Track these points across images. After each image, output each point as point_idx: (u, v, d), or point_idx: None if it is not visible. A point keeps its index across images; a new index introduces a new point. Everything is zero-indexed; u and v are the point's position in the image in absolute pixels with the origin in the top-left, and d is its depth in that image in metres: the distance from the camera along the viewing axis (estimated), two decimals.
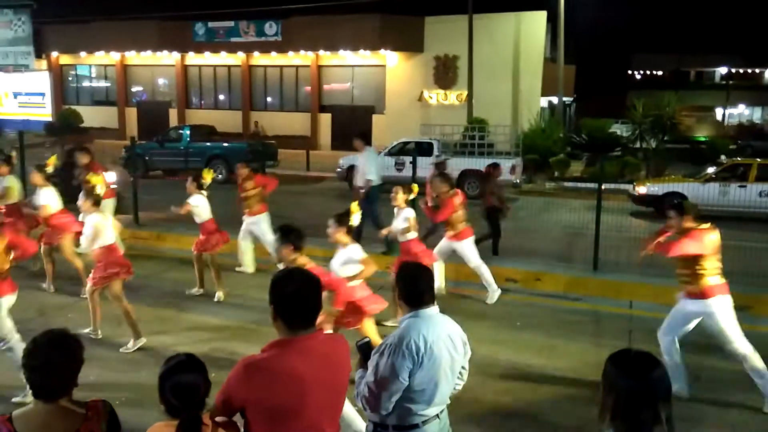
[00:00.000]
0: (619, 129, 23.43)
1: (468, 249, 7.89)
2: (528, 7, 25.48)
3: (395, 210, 7.12)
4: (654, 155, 19.83)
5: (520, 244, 10.67)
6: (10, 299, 5.20)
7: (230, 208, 9.46)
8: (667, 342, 5.36)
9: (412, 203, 7.52)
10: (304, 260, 4.67)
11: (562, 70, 23.74)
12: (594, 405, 2.19)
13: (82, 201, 6.40)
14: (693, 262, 5.14)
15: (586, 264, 9.23)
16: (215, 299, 7.75)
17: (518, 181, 17.31)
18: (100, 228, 6.22)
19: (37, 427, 2.28)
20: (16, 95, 32.18)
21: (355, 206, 5.60)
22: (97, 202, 6.45)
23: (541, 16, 25.56)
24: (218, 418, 2.42)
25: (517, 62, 25.63)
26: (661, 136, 20.25)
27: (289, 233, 4.73)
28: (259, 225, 8.87)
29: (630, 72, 54.16)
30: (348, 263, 5.36)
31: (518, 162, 17.39)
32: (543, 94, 26.29)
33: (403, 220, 7.00)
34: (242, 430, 2.50)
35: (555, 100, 25.73)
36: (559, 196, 17.32)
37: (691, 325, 5.37)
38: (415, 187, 7.72)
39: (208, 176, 8.15)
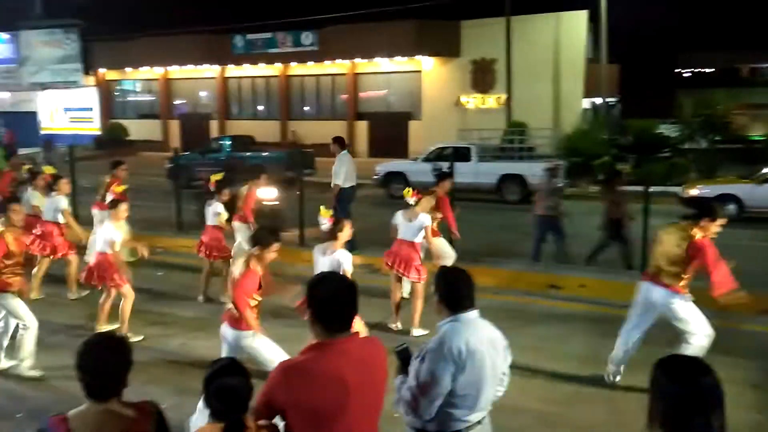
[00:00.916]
0: (667, 129, 22.75)
1: None
2: (568, 7, 25.08)
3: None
4: (704, 156, 19.15)
5: (564, 250, 10.42)
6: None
7: None
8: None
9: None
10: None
11: (605, 70, 23.24)
12: (642, 416, 2.08)
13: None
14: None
15: (633, 270, 8.96)
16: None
17: (560, 184, 16.94)
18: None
19: (91, 427, 2.34)
20: (66, 111, 33.31)
21: (324, 210, 5.78)
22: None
23: (582, 15, 25.12)
24: (260, 421, 2.46)
25: (557, 64, 25.24)
26: (712, 136, 19.55)
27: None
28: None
29: (678, 70, 52.74)
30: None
31: (560, 165, 17.03)
32: (586, 96, 25.81)
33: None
34: None
35: (598, 101, 25.23)
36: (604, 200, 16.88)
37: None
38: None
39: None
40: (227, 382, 2.42)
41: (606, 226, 9.55)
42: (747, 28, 45.42)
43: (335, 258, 5.50)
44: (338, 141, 10.33)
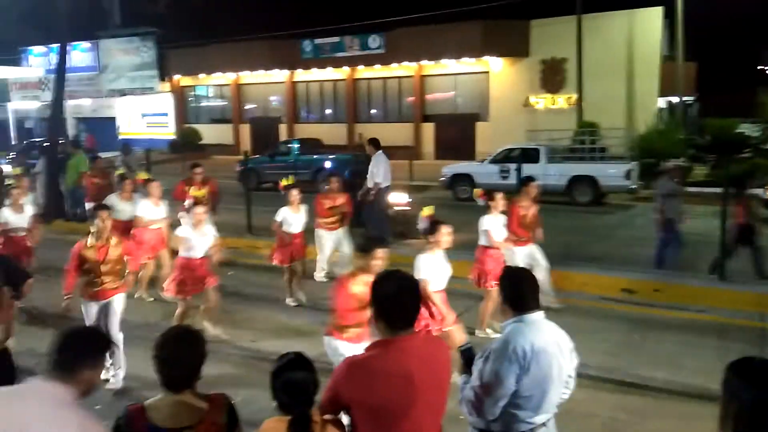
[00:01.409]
0: (748, 129, 21.62)
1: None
2: (642, 3, 24.22)
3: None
4: None
5: (637, 254, 10.09)
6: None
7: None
8: None
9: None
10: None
11: (682, 68, 22.30)
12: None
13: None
14: None
15: (711, 274, 8.55)
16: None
17: (635, 186, 16.40)
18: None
19: (167, 417, 2.41)
20: (143, 116, 34.84)
21: (426, 209, 5.59)
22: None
23: (657, 12, 24.22)
24: (325, 416, 2.50)
25: (631, 62, 24.42)
26: None
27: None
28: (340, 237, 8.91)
29: (760, 67, 50.07)
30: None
31: (634, 166, 16.48)
32: (661, 95, 24.85)
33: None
34: (348, 428, 2.56)
35: (674, 100, 24.24)
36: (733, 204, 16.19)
37: None
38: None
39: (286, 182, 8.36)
40: (294, 377, 2.44)
41: (735, 231, 8.82)
42: None
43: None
44: (373, 142, 10.68)
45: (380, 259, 4.20)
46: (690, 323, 7.15)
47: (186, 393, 2.46)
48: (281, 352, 2.61)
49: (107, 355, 2.49)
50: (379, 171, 10.21)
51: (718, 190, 9.89)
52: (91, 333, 2.55)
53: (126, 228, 8.02)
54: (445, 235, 5.33)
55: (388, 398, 2.45)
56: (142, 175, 9.05)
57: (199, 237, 6.69)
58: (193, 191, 9.15)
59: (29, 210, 8.08)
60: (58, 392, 2.25)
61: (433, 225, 5.36)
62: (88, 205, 10.80)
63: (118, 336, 5.63)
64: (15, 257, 6.44)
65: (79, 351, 2.36)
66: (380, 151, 10.51)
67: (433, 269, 5.22)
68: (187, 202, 8.40)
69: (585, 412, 4.79)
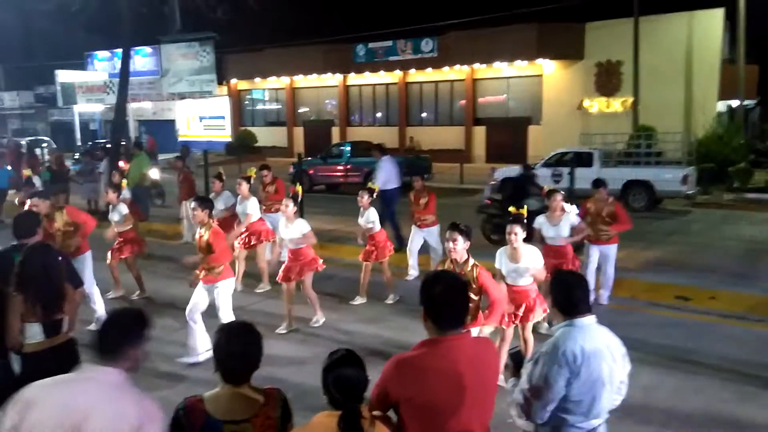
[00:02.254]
0: None
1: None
2: (702, 5, 23.52)
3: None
4: None
5: (693, 260, 9.86)
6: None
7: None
8: None
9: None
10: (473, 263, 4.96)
11: (743, 71, 21.55)
12: None
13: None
14: None
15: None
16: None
17: (692, 192, 15.97)
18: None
19: (224, 410, 2.48)
20: (201, 119, 35.80)
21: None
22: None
23: (718, 14, 23.48)
24: (375, 412, 2.52)
25: (689, 65, 23.73)
26: None
27: (462, 230, 5.01)
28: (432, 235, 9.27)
29: None
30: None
31: (691, 171, 16.04)
32: (721, 98, 24.06)
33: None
34: (396, 425, 2.58)
35: (735, 103, 23.44)
36: (739, 209, 15.70)
37: None
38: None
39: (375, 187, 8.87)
40: (344, 373, 2.46)
41: None
42: None
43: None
44: (378, 147, 11.64)
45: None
46: (749, 332, 6.97)
47: (244, 386, 2.52)
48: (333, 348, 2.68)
49: (147, 331, 2.58)
50: (380, 175, 10.81)
51: None
52: (128, 314, 2.62)
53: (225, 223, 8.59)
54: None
55: (437, 396, 2.47)
56: (251, 172, 9.47)
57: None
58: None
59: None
60: (110, 375, 2.38)
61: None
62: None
63: (223, 318, 6.05)
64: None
65: (119, 332, 2.48)
66: (386, 156, 11.21)
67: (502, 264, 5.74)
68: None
69: (638, 416, 4.77)
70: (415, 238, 9.27)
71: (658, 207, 15.80)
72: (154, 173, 15.43)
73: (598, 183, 8.20)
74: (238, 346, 2.55)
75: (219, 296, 6.22)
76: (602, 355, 2.90)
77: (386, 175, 10.80)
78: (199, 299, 6.26)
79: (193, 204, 6.47)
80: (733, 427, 4.93)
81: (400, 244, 9.99)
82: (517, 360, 3.11)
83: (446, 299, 2.56)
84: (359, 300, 8.20)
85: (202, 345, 6.19)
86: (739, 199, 16.99)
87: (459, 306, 2.59)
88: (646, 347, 6.25)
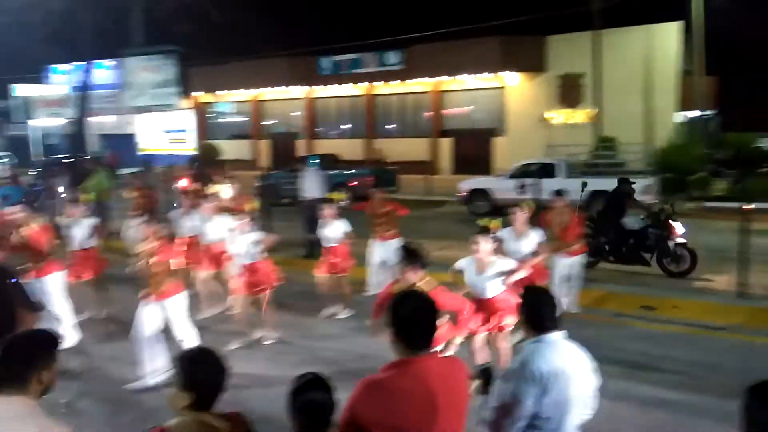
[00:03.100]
0: None
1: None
2: (660, 19, 24.18)
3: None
4: None
5: (657, 269, 10.01)
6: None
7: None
8: None
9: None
10: (426, 281, 4.62)
11: (701, 83, 22.18)
12: None
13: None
14: None
15: (731, 291, 8.49)
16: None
17: (653, 201, 16.26)
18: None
19: None
20: (164, 132, 35.30)
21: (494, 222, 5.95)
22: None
23: (675, 27, 24.17)
24: None
25: (649, 77, 24.35)
26: None
27: (413, 254, 4.70)
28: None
29: None
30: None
31: (652, 181, 16.37)
32: (681, 109, 24.72)
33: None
34: None
35: (694, 114, 24.09)
36: (699, 217, 16.05)
37: None
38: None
39: (338, 196, 8.74)
40: (312, 397, 2.41)
41: None
42: None
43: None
44: (300, 159, 12.55)
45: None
46: (710, 340, 7.09)
47: (207, 413, 2.43)
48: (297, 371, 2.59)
49: (57, 349, 2.45)
50: (302, 185, 11.45)
51: (738, 204, 9.85)
52: (31, 337, 2.48)
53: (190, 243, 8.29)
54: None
55: (408, 419, 2.42)
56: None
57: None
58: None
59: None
60: (10, 405, 2.23)
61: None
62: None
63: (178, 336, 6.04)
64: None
65: (21, 358, 2.33)
66: (309, 168, 12.00)
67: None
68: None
69: (608, 430, 4.78)
70: (374, 252, 9.00)
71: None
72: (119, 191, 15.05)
73: (557, 193, 8.22)
74: (202, 372, 2.46)
75: (170, 313, 6.08)
76: (571, 371, 2.90)
77: (310, 186, 11.36)
78: (147, 318, 6.05)
79: (143, 218, 6.34)
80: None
81: (311, 252, 10.31)
82: (486, 376, 3.08)
83: (415, 319, 2.52)
84: (337, 312, 8.12)
85: (157, 368, 5.99)
86: (699, 208, 17.39)
87: (428, 326, 2.55)
88: (612, 358, 6.28)
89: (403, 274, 4.64)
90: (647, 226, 9.87)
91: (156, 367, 6.00)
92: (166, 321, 6.14)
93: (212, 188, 9.30)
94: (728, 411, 5.09)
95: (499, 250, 6.66)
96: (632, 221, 10.07)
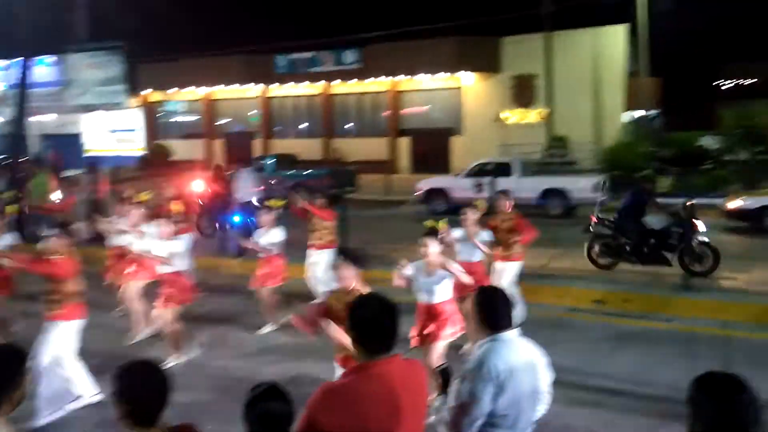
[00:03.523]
0: (709, 141, 22.34)
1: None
2: (608, 22, 24.87)
3: None
4: (746, 168, 18.71)
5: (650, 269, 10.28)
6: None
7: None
8: None
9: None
10: (364, 286, 4.33)
11: (646, 83, 22.93)
12: None
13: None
14: None
15: (677, 284, 8.82)
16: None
17: (603, 198, 16.72)
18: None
19: None
20: (111, 132, 34.33)
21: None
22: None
23: (621, 30, 24.89)
24: None
25: (597, 78, 25.01)
26: (753, 148, 19.11)
27: (351, 258, 4.45)
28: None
29: (720, 82, 51.56)
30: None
31: (601, 179, 16.83)
32: (627, 109, 25.47)
33: None
34: None
35: (640, 114, 24.89)
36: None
37: None
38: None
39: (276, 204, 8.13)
40: (269, 407, 2.34)
41: None
42: None
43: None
44: (238, 162, 12.71)
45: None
46: (659, 332, 7.35)
47: (154, 428, 2.34)
48: (254, 378, 2.50)
49: (26, 367, 2.38)
50: (236, 186, 11.65)
51: (682, 200, 10.23)
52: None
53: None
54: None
55: (369, 424, 2.40)
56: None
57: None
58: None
59: None
60: None
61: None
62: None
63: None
64: None
65: None
66: (243, 169, 12.12)
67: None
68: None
69: (562, 425, 4.89)
70: (314, 262, 8.48)
71: (573, 214, 16.45)
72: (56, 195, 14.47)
73: (501, 194, 8.00)
74: (132, 387, 2.36)
75: (54, 335, 5.49)
76: (526, 368, 2.96)
77: (244, 187, 11.49)
78: (51, 341, 5.49)
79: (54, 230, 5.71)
80: (651, 427, 5.16)
81: (240, 253, 10.41)
82: (444, 377, 3.12)
83: (375, 323, 2.51)
84: (268, 327, 7.66)
85: (80, 389, 5.62)
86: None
87: (389, 330, 2.54)
88: (566, 353, 6.44)
89: (340, 279, 4.37)
90: (670, 225, 9.71)
91: (87, 384, 5.66)
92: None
93: (140, 194, 8.52)
94: (675, 400, 5.31)
95: (449, 252, 6.36)
96: (655, 220, 9.90)
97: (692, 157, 19.62)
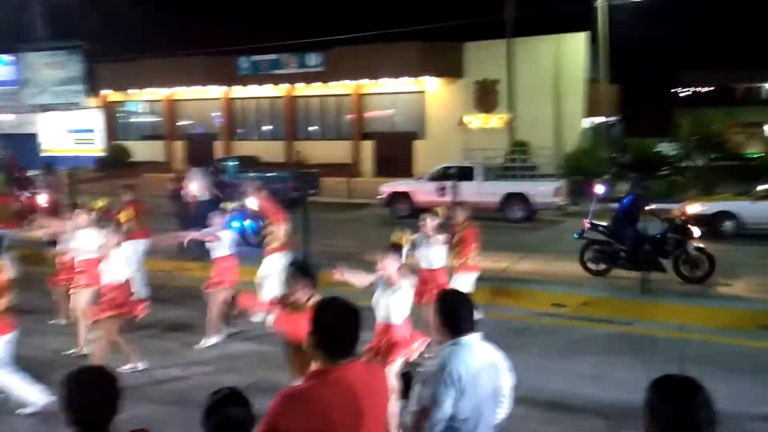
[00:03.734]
0: (666, 148, 22.97)
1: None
2: (568, 29, 25.35)
3: None
4: (702, 174, 19.28)
5: (567, 268, 10.45)
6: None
7: None
8: None
9: None
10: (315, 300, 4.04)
11: (605, 90, 23.43)
12: None
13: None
14: None
15: (634, 287, 8.99)
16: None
17: (563, 203, 17.03)
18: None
19: None
20: (69, 132, 33.50)
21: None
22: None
23: (582, 37, 25.39)
24: None
25: (558, 84, 25.45)
26: (709, 154, 19.71)
27: (304, 271, 4.34)
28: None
29: (676, 89, 53.07)
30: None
31: (562, 184, 17.12)
32: (587, 115, 25.98)
33: None
34: None
35: (599, 120, 25.40)
36: (605, 218, 16.91)
37: None
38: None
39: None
40: (230, 413, 2.31)
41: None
42: (741, 48, 45.99)
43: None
44: (191, 163, 11.89)
45: None
46: (617, 335, 7.48)
47: None
48: (210, 384, 2.46)
49: None
50: (187, 187, 11.42)
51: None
52: None
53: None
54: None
55: (332, 428, 2.39)
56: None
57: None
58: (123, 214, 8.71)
59: None
60: None
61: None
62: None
63: None
64: None
65: None
66: (195, 169, 11.98)
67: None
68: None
69: (518, 429, 4.92)
70: (265, 267, 8.17)
71: (534, 218, 16.69)
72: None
73: (455, 205, 7.79)
74: (94, 392, 2.30)
75: None
76: (487, 371, 2.97)
77: (197, 187, 11.27)
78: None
79: None
80: (609, 428, 5.22)
81: (201, 253, 10.20)
82: (406, 381, 3.11)
83: (338, 327, 2.49)
84: (212, 340, 7.31)
85: (29, 397, 5.42)
86: (604, 208, 18.30)
87: (351, 334, 2.52)
88: (526, 357, 6.49)
89: (292, 293, 4.24)
90: (666, 231, 9.72)
91: (31, 392, 5.45)
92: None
93: (96, 201, 8.10)
94: (632, 403, 5.39)
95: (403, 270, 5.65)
96: (651, 226, 9.88)
97: (650, 163, 20.13)
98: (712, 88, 52.46)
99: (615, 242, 9.90)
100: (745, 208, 12.98)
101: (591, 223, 10.35)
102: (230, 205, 8.18)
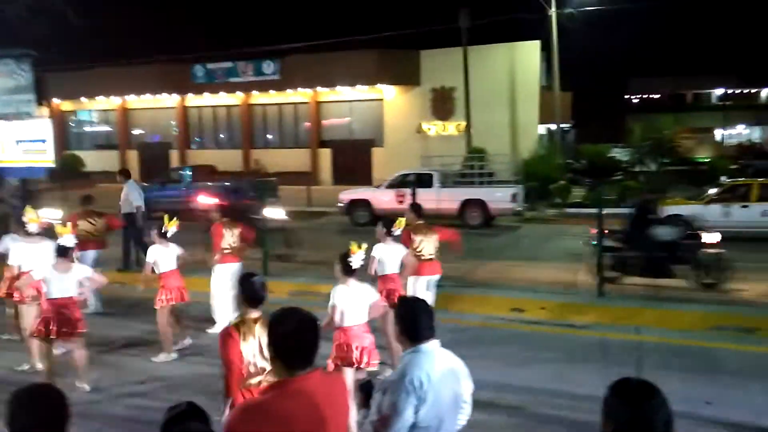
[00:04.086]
0: (619, 153, 23.58)
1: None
2: (522, 37, 25.85)
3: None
4: (654, 178, 19.85)
5: (522, 273, 10.60)
6: None
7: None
8: None
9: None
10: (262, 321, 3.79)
11: (559, 97, 23.97)
12: None
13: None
14: None
15: (591, 291, 9.17)
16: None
17: (520, 208, 17.29)
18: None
19: None
20: (18, 142, 32.42)
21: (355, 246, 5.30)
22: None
23: (535, 46, 25.91)
24: None
25: (513, 91, 25.90)
26: (661, 159, 20.31)
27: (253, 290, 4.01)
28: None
29: (627, 96, 54.57)
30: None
31: (518, 190, 17.39)
32: (541, 122, 26.48)
33: None
34: None
35: (553, 127, 25.93)
36: (561, 223, 17.30)
37: None
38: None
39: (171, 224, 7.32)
40: (188, 428, 2.27)
41: None
42: (689, 55, 47.78)
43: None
44: (123, 173, 12.17)
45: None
46: (575, 339, 7.60)
47: None
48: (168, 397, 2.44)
49: None
50: (135, 196, 11.34)
51: (595, 210, 10.61)
52: None
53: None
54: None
55: None
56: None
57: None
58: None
59: None
60: None
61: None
62: None
63: None
64: None
65: None
66: (131, 180, 11.78)
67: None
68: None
69: None
70: (217, 278, 7.93)
71: (492, 224, 16.89)
72: None
73: (413, 208, 7.73)
74: (39, 412, 2.21)
75: None
76: (447, 378, 2.96)
77: (132, 198, 11.32)
78: None
79: None
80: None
81: (126, 265, 10.92)
82: (366, 390, 3.08)
83: (296, 338, 2.46)
84: (163, 357, 7.06)
85: None
86: (560, 213, 18.72)
87: (310, 345, 2.49)
88: (485, 362, 6.54)
89: (244, 311, 3.97)
90: (680, 237, 9.62)
91: None
92: None
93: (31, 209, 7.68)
94: (591, 405, 5.49)
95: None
96: (665, 232, 9.68)
97: (604, 168, 20.62)
98: (661, 95, 54.19)
99: (629, 249, 9.69)
100: (696, 212, 13.40)
101: (603, 231, 9.66)
102: (169, 221, 7.32)
